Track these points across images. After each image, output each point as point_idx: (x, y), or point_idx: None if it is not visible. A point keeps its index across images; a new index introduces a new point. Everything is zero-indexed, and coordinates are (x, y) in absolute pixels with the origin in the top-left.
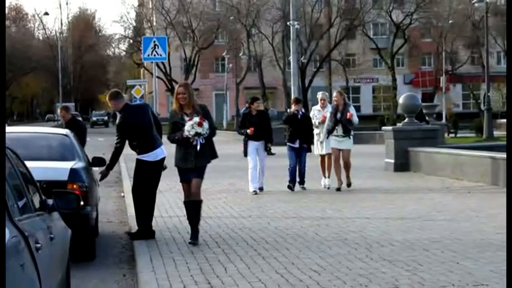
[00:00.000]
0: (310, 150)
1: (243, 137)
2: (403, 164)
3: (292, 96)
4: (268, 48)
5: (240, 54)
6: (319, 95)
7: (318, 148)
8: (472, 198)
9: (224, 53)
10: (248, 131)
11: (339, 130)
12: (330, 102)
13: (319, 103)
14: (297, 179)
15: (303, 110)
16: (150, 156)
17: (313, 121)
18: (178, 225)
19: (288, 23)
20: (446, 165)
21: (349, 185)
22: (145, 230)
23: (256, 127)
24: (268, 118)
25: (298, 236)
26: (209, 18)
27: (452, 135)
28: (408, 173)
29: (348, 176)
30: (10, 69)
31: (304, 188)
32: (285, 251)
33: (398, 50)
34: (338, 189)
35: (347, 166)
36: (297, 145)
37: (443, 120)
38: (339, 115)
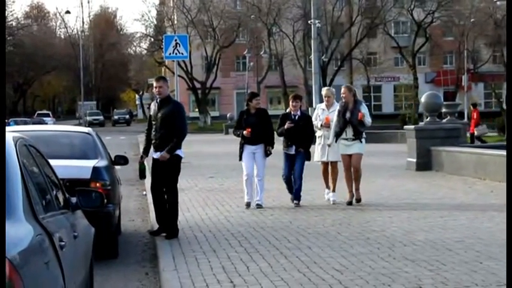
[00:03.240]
0: (309, 159)
1: (239, 139)
2: (425, 163)
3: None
4: (289, 46)
5: (261, 52)
6: (324, 91)
7: (319, 154)
8: (495, 198)
9: (245, 52)
10: (244, 132)
11: (349, 132)
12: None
13: (324, 100)
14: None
15: (303, 109)
16: (181, 152)
17: (315, 122)
18: (200, 223)
19: (309, 22)
20: (468, 165)
21: (358, 200)
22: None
23: (254, 128)
24: (269, 118)
25: (320, 235)
26: (230, 16)
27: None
28: (430, 172)
29: (357, 189)
30: (32, 67)
31: (297, 205)
32: (307, 250)
33: (420, 49)
34: (349, 203)
35: (356, 174)
36: (292, 152)
37: (465, 119)
38: (348, 115)
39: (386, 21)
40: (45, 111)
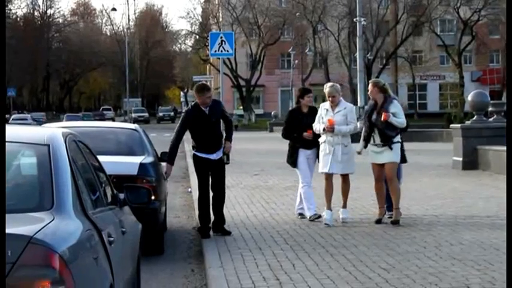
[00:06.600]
0: None
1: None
2: (471, 162)
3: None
4: (334, 44)
5: (306, 50)
6: (326, 88)
7: (321, 164)
8: None
9: (290, 49)
10: (305, 134)
11: (376, 138)
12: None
13: (328, 100)
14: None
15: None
16: None
17: (317, 125)
18: (245, 221)
19: (354, 20)
20: None
21: (395, 222)
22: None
23: (311, 129)
24: None
25: (365, 234)
26: (275, 14)
27: None
28: (477, 171)
29: (396, 207)
30: (78, 64)
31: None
32: (353, 248)
33: (466, 47)
34: (378, 222)
35: (392, 188)
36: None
37: None
38: (374, 116)
39: (432, 19)
40: (107, 107)
